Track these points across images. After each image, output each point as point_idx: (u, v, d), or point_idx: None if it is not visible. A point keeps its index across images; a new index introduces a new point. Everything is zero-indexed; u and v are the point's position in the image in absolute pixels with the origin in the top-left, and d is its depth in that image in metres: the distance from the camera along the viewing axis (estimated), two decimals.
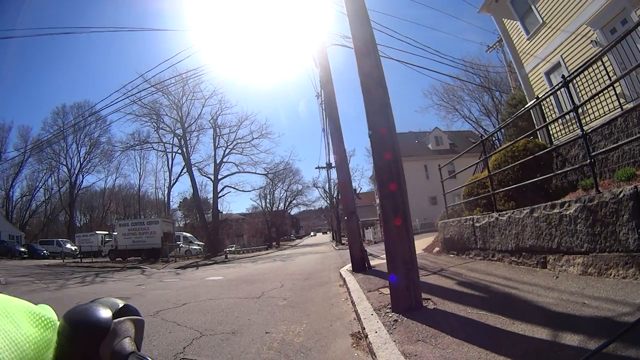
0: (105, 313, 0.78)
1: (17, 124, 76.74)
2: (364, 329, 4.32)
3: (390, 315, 4.63)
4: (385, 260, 5.48)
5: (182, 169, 50.51)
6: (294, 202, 70.92)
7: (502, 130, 16.38)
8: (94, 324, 0.75)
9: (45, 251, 38.86)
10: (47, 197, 62.98)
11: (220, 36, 45.28)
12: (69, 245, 40.86)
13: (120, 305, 0.84)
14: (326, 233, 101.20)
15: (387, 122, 5.26)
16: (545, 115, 12.42)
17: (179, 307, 7.38)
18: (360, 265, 9.75)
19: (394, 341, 3.62)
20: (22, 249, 37.56)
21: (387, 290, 5.85)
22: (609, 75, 8.76)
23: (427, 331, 3.81)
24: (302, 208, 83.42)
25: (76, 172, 60.40)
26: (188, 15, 63.74)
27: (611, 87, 7.33)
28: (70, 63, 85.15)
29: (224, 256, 31.18)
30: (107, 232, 42.80)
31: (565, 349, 2.87)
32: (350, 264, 10.47)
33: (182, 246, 36.11)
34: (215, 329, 5.46)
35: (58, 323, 0.76)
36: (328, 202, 61.31)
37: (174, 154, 51.85)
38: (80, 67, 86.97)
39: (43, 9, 66.63)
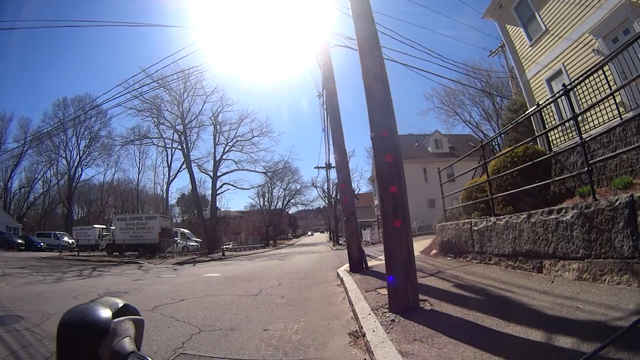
0: (105, 313, 0.79)
1: (17, 115, 76.98)
2: (362, 328, 4.38)
3: (387, 315, 4.69)
4: (382, 262, 5.55)
5: (182, 165, 50.61)
6: (292, 201, 71.18)
7: (502, 135, 16.42)
8: (94, 323, 0.76)
9: (42, 244, 38.70)
10: (45, 190, 63.04)
11: (224, 34, 45.30)
12: (66, 239, 40.82)
13: (120, 305, 0.85)
14: (323, 233, 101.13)
15: (389, 125, 5.30)
16: (545, 122, 12.47)
17: (177, 303, 7.40)
18: (358, 265, 9.80)
19: (391, 340, 3.67)
20: (20, 241, 37.41)
21: (384, 291, 5.92)
22: (609, 85, 8.82)
23: (424, 331, 3.87)
24: (300, 207, 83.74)
25: (75, 165, 60.47)
26: (192, 12, 63.68)
27: (611, 97, 7.40)
28: (72, 56, 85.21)
29: (221, 253, 31.13)
30: (104, 226, 42.84)
31: (559, 350, 2.93)
32: (347, 264, 10.55)
33: (179, 242, 36.19)
34: (213, 325, 5.50)
35: None
36: (326, 202, 61.38)
37: (173, 149, 51.78)
38: (82, 60, 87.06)
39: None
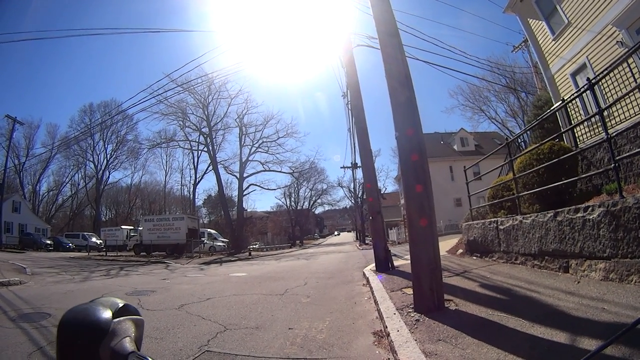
0: (105, 313, 0.79)
1: (45, 122, 79.54)
2: (386, 327, 4.40)
3: (412, 315, 4.71)
4: (408, 261, 5.56)
5: (208, 167, 51.39)
6: (319, 201, 71.40)
7: (528, 132, 16.15)
8: (94, 323, 0.77)
9: (70, 244, 39.89)
10: (73, 192, 64.87)
11: (247, 37, 45.73)
12: (94, 239, 41.93)
13: (120, 305, 0.85)
14: (350, 232, 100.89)
15: (413, 124, 5.31)
16: (571, 117, 12.22)
17: (204, 302, 7.52)
18: (384, 265, 9.80)
19: (415, 340, 3.70)
20: (48, 242, 38.65)
21: (409, 291, 5.92)
22: (634, 77, 8.61)
23: (448, 331, 3.89)
24: (327, 207, 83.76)
25: (103, 168, 62.03)
26: (215, 15, 64.34)
27: (637, 89, 7.23)
28: (98, 63, 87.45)
29: (247, 253, 31.50)
30: (132, 227, 43.65)
31: (583, 352, 2.91)
32: (373, 264, 10.54)
33: (206, 242, 36.65)
34: (239, 323, 5.58)
35: None
36: (352, 201, 61.32)
37: (199, 151, 52.81)
38: (107, 67, 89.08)
39: (70, 8, 68.30)
